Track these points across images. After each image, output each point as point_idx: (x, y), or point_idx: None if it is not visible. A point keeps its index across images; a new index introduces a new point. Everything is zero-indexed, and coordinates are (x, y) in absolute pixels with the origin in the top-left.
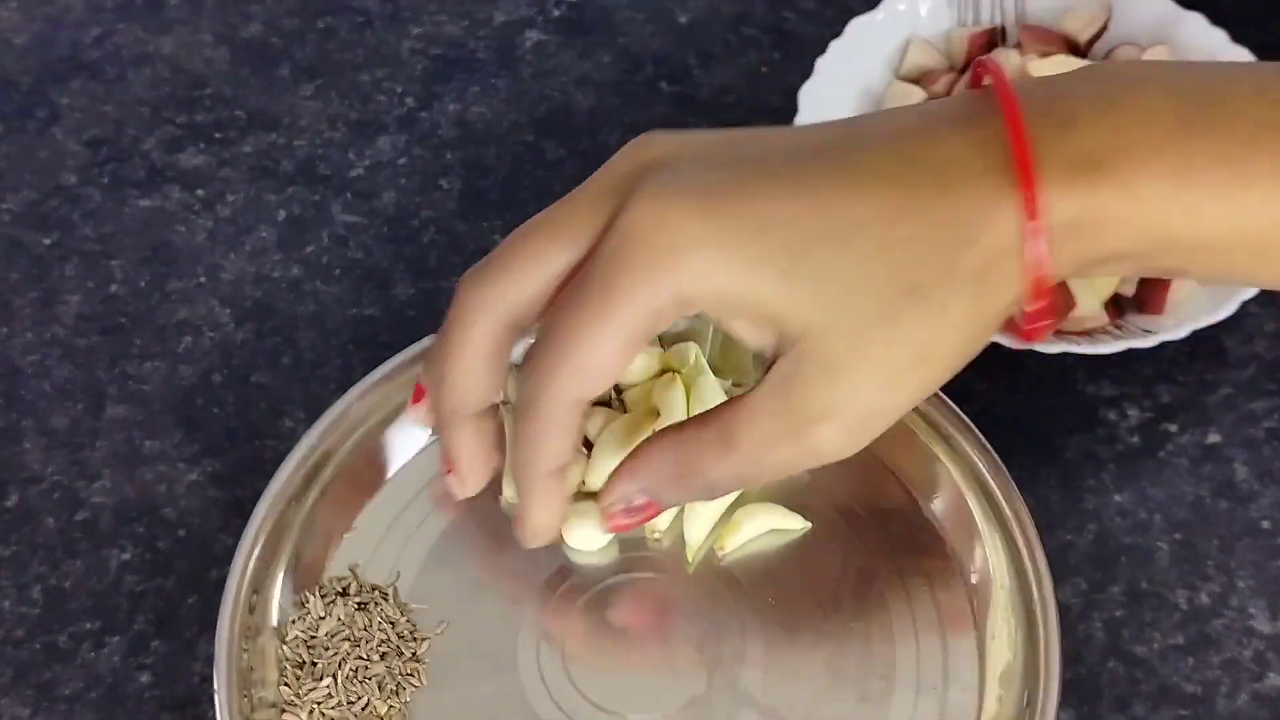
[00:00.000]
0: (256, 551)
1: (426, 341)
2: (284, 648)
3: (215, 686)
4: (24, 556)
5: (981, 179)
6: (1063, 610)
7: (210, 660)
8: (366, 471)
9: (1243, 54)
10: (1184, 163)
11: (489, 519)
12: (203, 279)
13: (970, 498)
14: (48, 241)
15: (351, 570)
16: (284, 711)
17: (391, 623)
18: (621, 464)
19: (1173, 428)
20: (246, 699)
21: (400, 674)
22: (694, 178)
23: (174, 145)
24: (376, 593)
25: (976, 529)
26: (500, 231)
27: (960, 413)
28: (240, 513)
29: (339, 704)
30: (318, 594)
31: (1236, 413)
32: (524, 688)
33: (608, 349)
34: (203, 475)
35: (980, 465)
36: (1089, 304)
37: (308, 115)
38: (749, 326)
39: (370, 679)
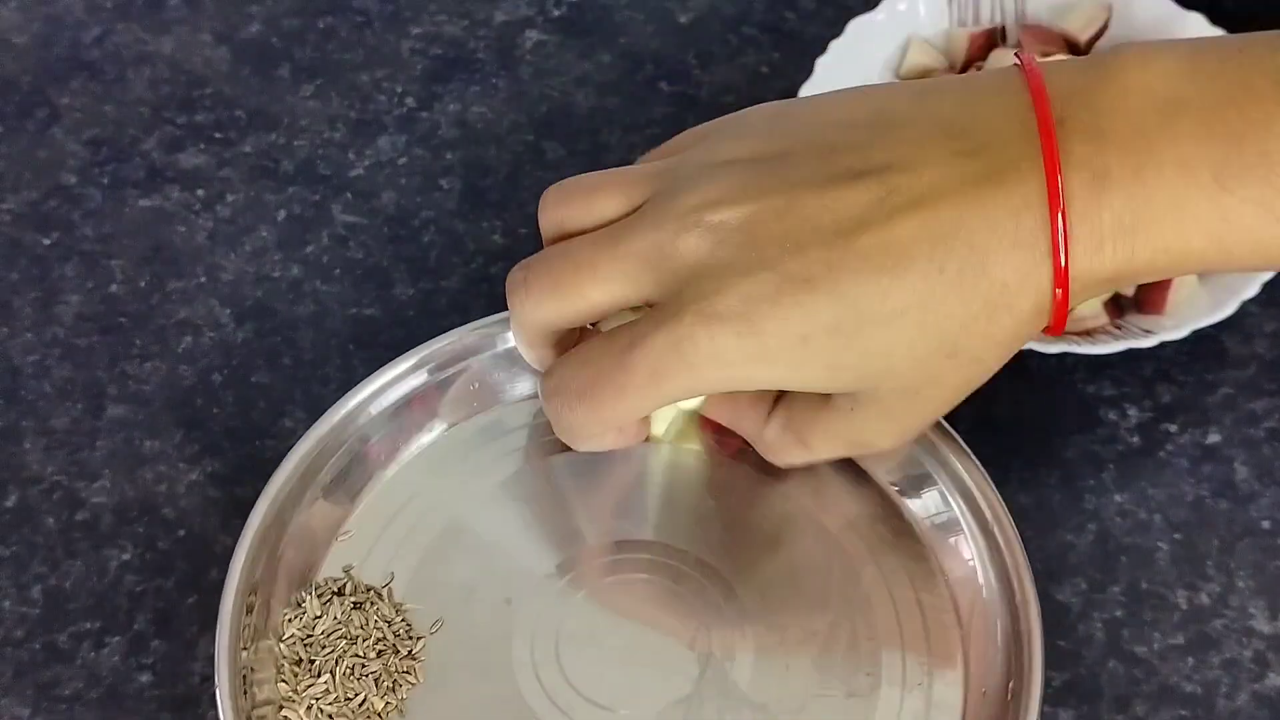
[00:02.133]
0: (254, 554)
1: (426, 348)
2: (281, 646)
3: (217, 684)
4: (24, 556)
5: (1016, 250)
6: (1063, 610)
7: (211, 660)
8: (359, 475)
9: None
10: (1220, 217)
11: (482, 521)
12: (203, 279)
13: (952, 501)
14: (47, 241)
15: (346, 571)
16: (282, 708)
17: (387, 621)
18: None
19: (1173, 428)
20: (246, 697)
21: (397, 671)
22: (734, 300)
23: (174, 145)
24: (372, 593)
25: (959, 531)
26: (500, 232)
27: (942, 420)
28: (240, 513)
29: (337, 700)
30: (314, 594)
31: (1236, 413)
32: (518, 684)
33: (640, 416)
34: (203, 475)
35: (961, 470)
36: (1089, 304)
37: (308, 115)
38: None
39: (367, 676)
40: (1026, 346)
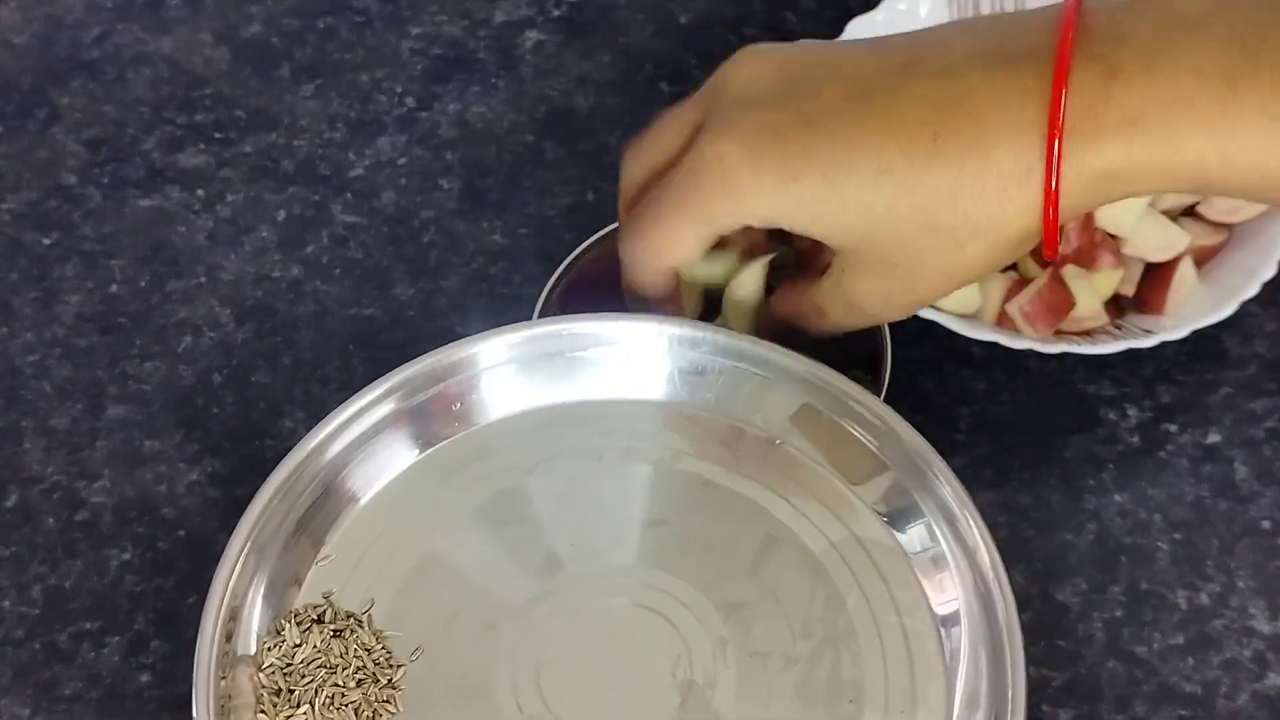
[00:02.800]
0: (234, 580)
1: (400, 373)
2: (260, 675)
3: (194, 715)
4: (24, 556)
5: (1015, 135)
6: (1063, 610)
7: None
8: (336, 502)
9: None
10: (1222, 116)
11: (462, 546)
12: (203, 279)
13: (939, 534)
14: (48, 241)
15: (326, 598)
16: None
17: (367, 649)
18: (766, 308)
19: (1173, 428)
20: None
21: (377, 701)
22: (750, 123)
23: (174, 145)
24: (352, 620)
25: (944, 560)
26: (500, 232)
27: (931, 448)
28: (240, 513)
29: None
30: (293, 621)
31: (1236, 413)
32: (499, 713)
33: (680, 243)
34: (202, 475)
35: (949, 498)
36: (1089, 304)
37: (308, 115)
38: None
39: (347, 706)
40: (1026, 346)
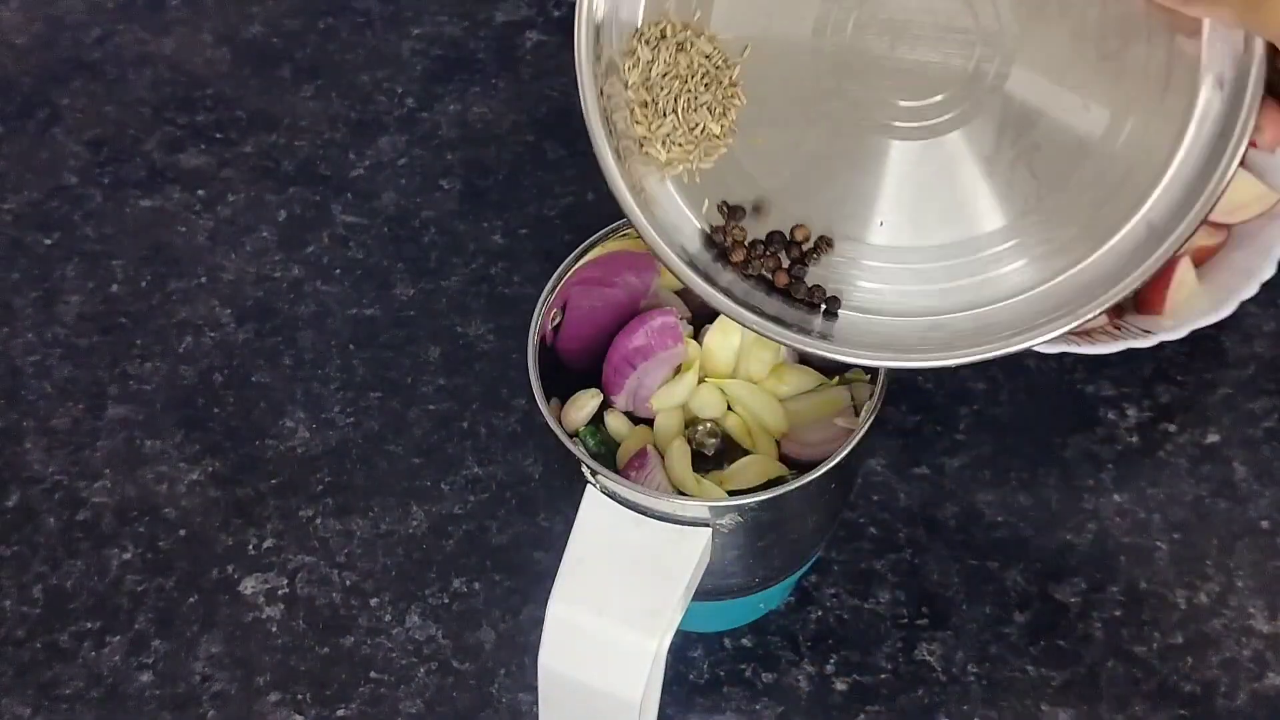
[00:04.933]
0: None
1: None
2: (628, 92)
3: (589, 128)
4: (25, 556)
5: None
6: (1062, 610)
7: (213, 659)
8: None
9: None
10: None
11: None
12: (203, 279)
13: None
14: (49, 242)
15: (663, 14)
16: (643, 145)
17: (707, 56)
18: None
19: (1172, 428)
20: (611, 136)
21: (724, 98)
22: None
23: (175, 146)
24: (689, 31)
25: None
26: (500, 232)
27: None
28: (241, 512)
29: (683, 133)
30: (641, 40)
31: (1236, 413)
32: (806, 53)
33: None
34: (203, 475)
35: None
36: None
37: (308, 116)
38: None
39: (701, 107)
40: (1026, 345)
